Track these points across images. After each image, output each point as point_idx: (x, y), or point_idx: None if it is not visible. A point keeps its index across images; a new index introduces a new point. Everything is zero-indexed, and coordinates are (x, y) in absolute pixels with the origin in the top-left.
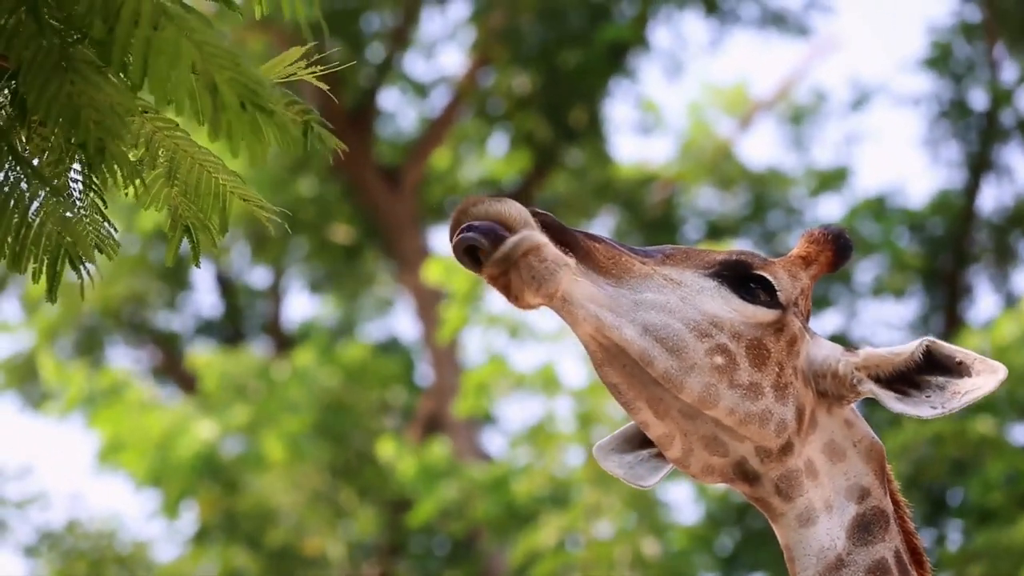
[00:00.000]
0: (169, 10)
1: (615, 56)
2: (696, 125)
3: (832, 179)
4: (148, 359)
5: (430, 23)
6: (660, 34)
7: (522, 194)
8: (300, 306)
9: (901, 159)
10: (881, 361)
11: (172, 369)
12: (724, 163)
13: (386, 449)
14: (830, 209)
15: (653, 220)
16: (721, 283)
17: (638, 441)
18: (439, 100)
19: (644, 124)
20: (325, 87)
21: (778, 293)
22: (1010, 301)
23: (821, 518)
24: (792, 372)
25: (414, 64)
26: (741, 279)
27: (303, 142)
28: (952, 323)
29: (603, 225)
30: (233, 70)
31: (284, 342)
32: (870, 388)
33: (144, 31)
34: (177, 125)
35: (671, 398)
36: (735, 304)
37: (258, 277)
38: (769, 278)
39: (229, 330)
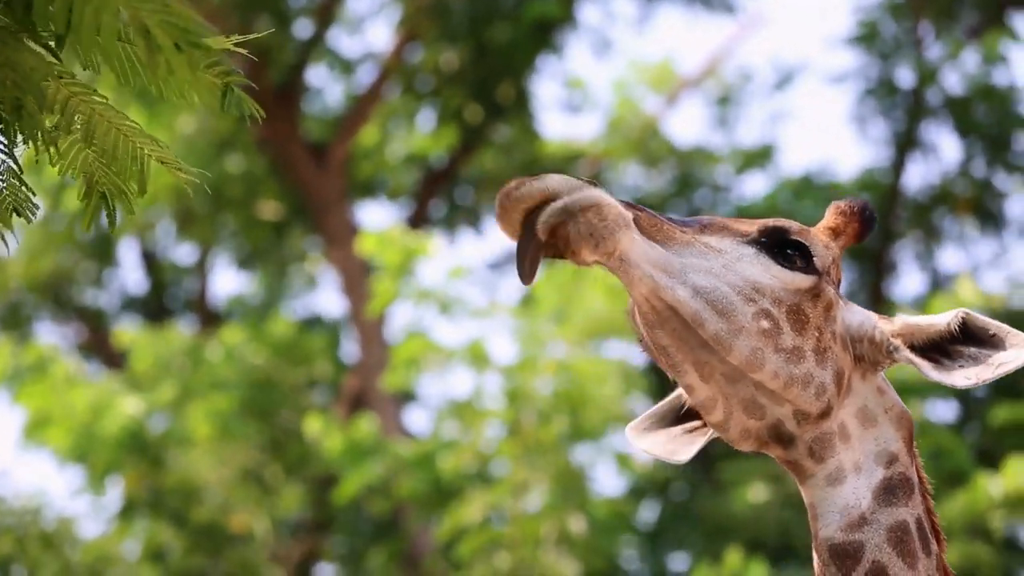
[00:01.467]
0: None
1: (543, 33)
2: (623, 102)
3: (758, 157)
4: (74, 335)
5: None
6: (588, 11)
7: (449, 171)
8: (227, 282)
9: (828, 137)
10: (916, 329)
11: (98, 346)
12: (651, 140)
13: (313, 426)
14: (756, 187)
15: None
16: (760, 250)
17: (669, 419)
18: (366, 76)
19: (571, 101)
20: (252, 57)
21: (814, 259)
22: (935, 279)
23: (849, 478)
24: (830, 337)
25: (341, 40)
26: (779, 246)
27: (221, 103)
28: (877, 300)
29: None
30: (164, 12)
31: (210, 319)
32: (906, 355)
33: None
34: (95, 90)
35: (716, 362)
36: (774, 271)
37: (184, 254)
38: (806, 244)
39: (155, 306)
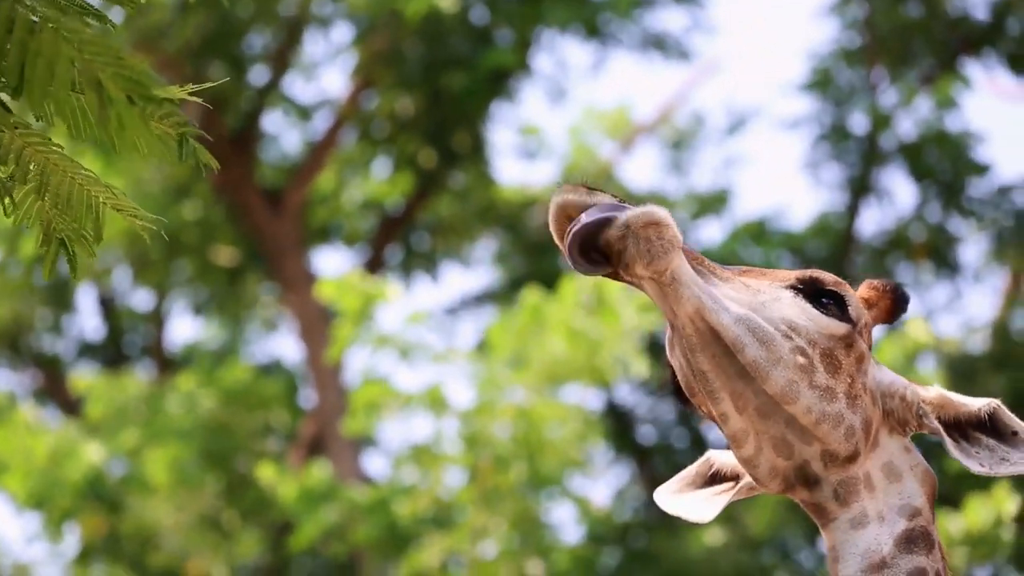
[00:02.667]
0: (45, 14)
1: (498, 80)
2: (578, 148)
3: (713, 203)
4: (30, 382)
5: (313, 45)
6: (542, 59)
7: (405, 217)
8: (183, 329)
9: (783, 182)
10: (947, 404)
11: (54, 392)
12: (606, 186)
13: (267, 472)
14: (711, 233)
15: (535, 242)
16: (797, 294)
17: (698, 483)
18: (322, 123)
19: (527, 147)
20: (206, 105)
21: (849, 309)
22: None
23: (872, 524)
24: (861, 387)
25: (296, 86)
26: (815, 294)
27: (177, 153)
28: None
29: (485, 247)
30: (116, 65)
31: (167, 365)
32: (934, 425)
33: (20, 34)
34: (49, 140)
35: (751, 393)
36: (811, 313)
37: (141, 300)
38: (841, 295)
39: (112, 353)
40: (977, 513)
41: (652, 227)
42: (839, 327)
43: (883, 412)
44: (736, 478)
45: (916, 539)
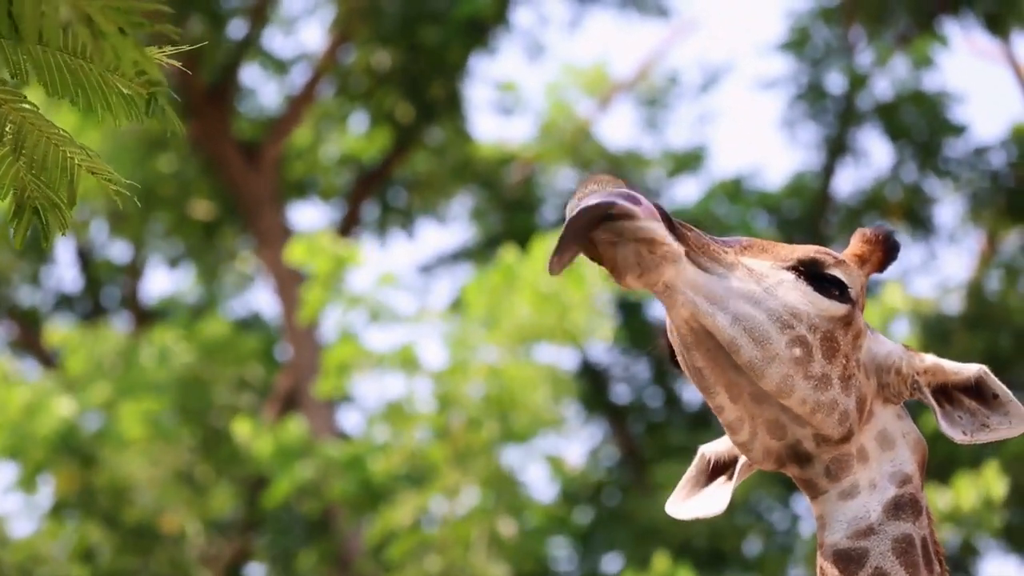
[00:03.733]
0: None
1: (475, 32)
2: (555, 105)
3: (689, 161)
4: (6, 334)
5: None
6: (520, 14)
7: (382, 173)
8: (160, 281)
9: (759, 141)
10: (940, 372)
11: (30, 344)
12: (583, 144)
13: (242, 428)
14: (687, 191)
15: (512, 200)
16: (799, 276)
17: (702, 481)
18: (299, 77)
19: (504, 104)
20: (179, 65)
21: (849, 290)
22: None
23: (863, 493)
24: (856, 364)
25: (274, 40)
26: (816, 277)
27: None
28: None
29: (462, 204)
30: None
31: (144, 317)
32: (927, 398)
33: None
34: (24, 97)
35: (745, 383)
36: (812, 297)
37: (119, 252)
38: (842, 277)
39: (89, 305)
40: (967, 492)
41: (645, 244)
42: (839, 308)
43: (878, 385)
44: (734, 461)
45: (904, 505)
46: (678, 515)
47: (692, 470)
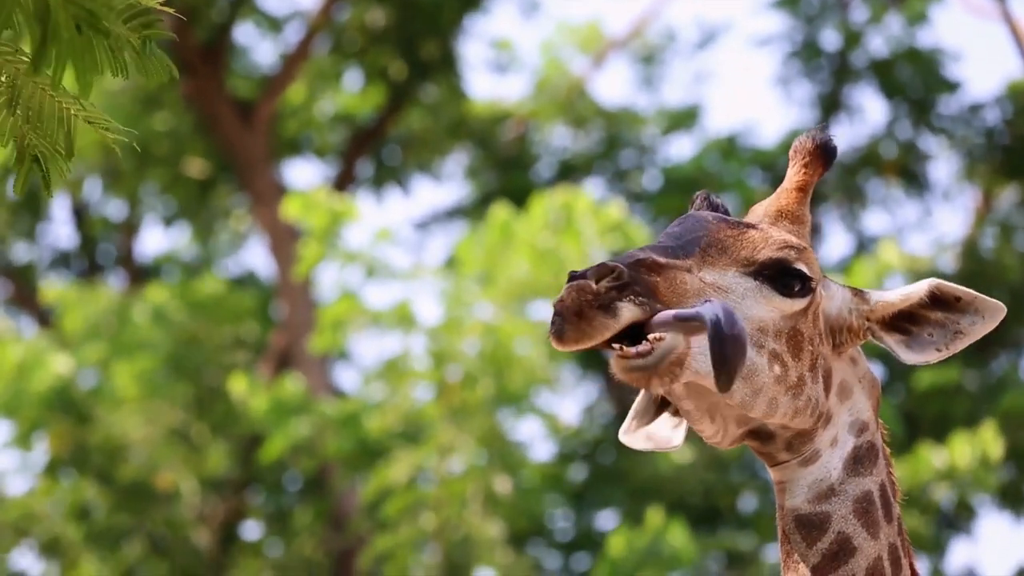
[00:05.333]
0: None
1: None
2: (550, 63)
3: (683, 118)
4: (2, 291)
5: None
6: None
7: (377, 130)
8: (155, 239)
9: (753, 99)
10: (890, 306)
11: (25, 301)
12: (577, 101)
13: (238, 385)
14: (682, 148)
15: (506, 158)
16: (762, 283)
17: (651, 412)
18: (293, 35)
19: (498, 62)
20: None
21: (810, 280)
22: (860, 241)
23: (824, 455)
24: (818, 340)
25: None
26: (780, 276)
27: (135, 64)
28: None
29: (456, 162)
30: None
31: (138, 275)
32: (883, 341)
33: None
34: (18, 50)
35: (730, 410)
36: (776, 302)
37: (115, 210)
38: (804, 269)
39: (84, 263)
40: (963, 450)
41: (676, 363)
42: (801, 303)
43: (833, 345)
44: None
45: (862, 457)
46: (631, 445)
47: (640, 401)
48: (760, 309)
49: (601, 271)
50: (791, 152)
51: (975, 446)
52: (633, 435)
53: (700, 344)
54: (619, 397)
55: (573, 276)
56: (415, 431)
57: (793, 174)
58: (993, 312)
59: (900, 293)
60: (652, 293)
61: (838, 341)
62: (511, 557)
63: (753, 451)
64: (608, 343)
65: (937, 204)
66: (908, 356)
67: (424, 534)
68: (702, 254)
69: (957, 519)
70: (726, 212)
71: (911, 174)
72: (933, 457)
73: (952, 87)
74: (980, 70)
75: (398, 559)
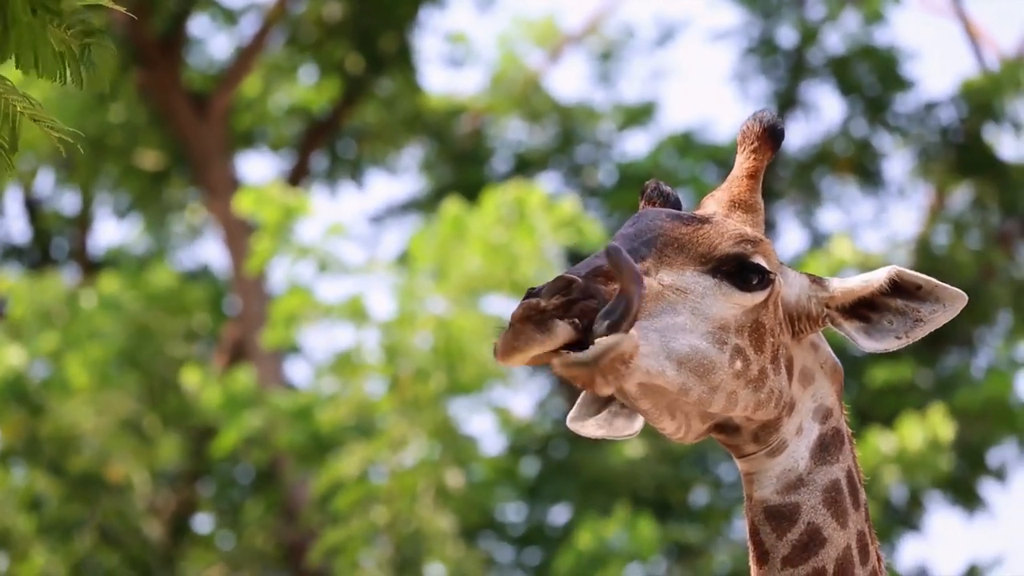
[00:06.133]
0: None
1: None
2: (506, 57)
3: (639, 114)
4: None
5: None
6: None
7: (331, 123)
8: (109, 232)
9: (709, 95)
10: (850, 293)
11: None
12: (533, 96)
13: (191, 377)
14: (638, 144)
15: (462, 152)
16: (721, 280)
17: (598, 403)
18: (249, 27)
19: (454, 56)
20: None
21: (769, 274)
22: (815, 238)
23: (790, 444)
24: (779, 329)
25: None
26: (738, 271)
27: (73, 72)
28: None
29: (411, 156)
30: None
31: (92, 268)
32: (842, 329)
33: None
34: None
35: (690, 406)
36: (735, 298)
37: (68, 203)
38: (762, 262)
39: (37, 255)
40: (913, 433)
41: (619, 360)
42: (760, 296)
43: (792, 333)
44: None
45: (828, 445)
46: (582, 432)
47: (586, 394)
48: (720, 307)
49: (556, 285)
50: (739, 138)
51: (926, 429)
52: (583, 423)
53: (651, 344)
54: (572, 392)
55: (529, 293)
56: (367, 425)
57: (743, 160)
58: (953, 300)
59: (860, 280)
60: (606, 303)
61: (797, 329)
62: (462, 551)
63: (720, 443)
64: (551, 355)
65: (891, 201)
66: (867, 344)
67: (375, 527)
68: (658, 255)
69: (908, 515)
70: (677, 201)
71: (866, 171)
72: (882, 443)
73: (907, 85)
74: (935, 69)
75: (349, 552)
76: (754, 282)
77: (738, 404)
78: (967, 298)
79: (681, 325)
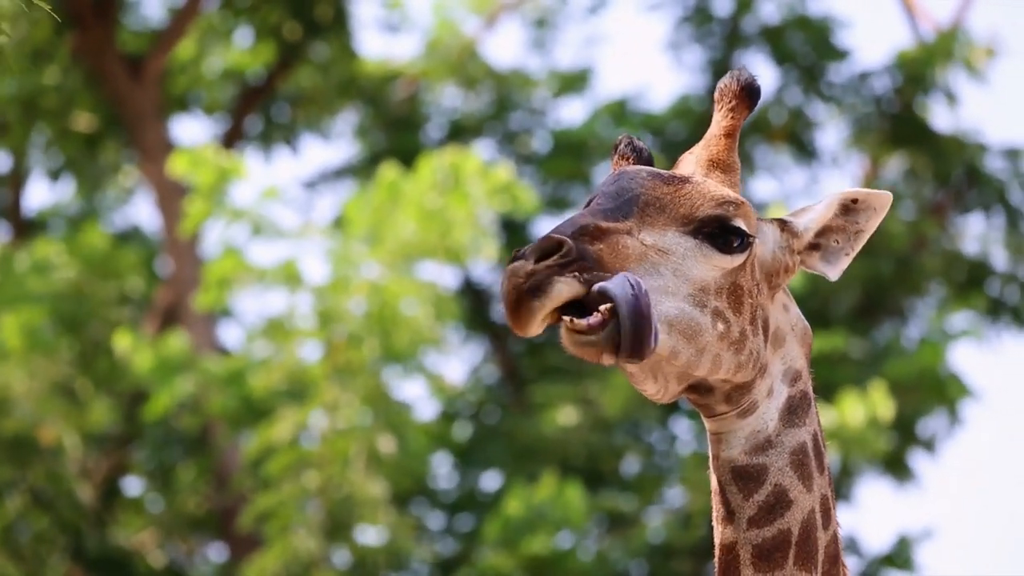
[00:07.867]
0: None
1: None
2: (441, 23)
3: (574, 81)
4: None
5: None
6: None
7: (266, 88)
8: (41, 193)
9: (644, 63)
10: (813, 230)
11: None
12: (468, 62)
13: (123, 340)
14: (572, 112)
15: (396, 117)
16: (701, 241)
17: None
18: None
19: (390, 21)
20: None
21: (749, 236)
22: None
23: (761, 406)
24: (756, 291)
25: None
26: (719, 233)
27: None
28: None
29: (346, 121)
30: None
31: (24, 228)
32: (809, 265)
33: None
34: None
35: (672, 369)
36: (716, 260)
37: (0, 162)
38: (742, 225)
39: None
40: (854, 410)
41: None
42: (740, 258)
43: (768, 288)
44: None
45: (796, 407)
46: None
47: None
48: (701, 269)
49: (545, 247)
50: (716, 96)
51: (867, 406)
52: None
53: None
54: (504, 359)
55: (514, 256)
56: (300, 389)
57: (720, 119)
58: (882, 201)
59: (818, 214)
60: (598, 264)
61: (774, 283)
62: (394, 516)
63: (690, 402)
64: (559, 316)
65: (825, 171)
66: (831, 271)
67: (307, 492)
68: (640, 214)
69: (838, 484)
70: (650, 157)
71: (799, 141)
72: (823, 418)
73: (842, 55)
74: (870, 39)
75: (280, 517)
76: (735, 244)
77: (722, 367)
78: (891, 196)
79: (664, 287)
